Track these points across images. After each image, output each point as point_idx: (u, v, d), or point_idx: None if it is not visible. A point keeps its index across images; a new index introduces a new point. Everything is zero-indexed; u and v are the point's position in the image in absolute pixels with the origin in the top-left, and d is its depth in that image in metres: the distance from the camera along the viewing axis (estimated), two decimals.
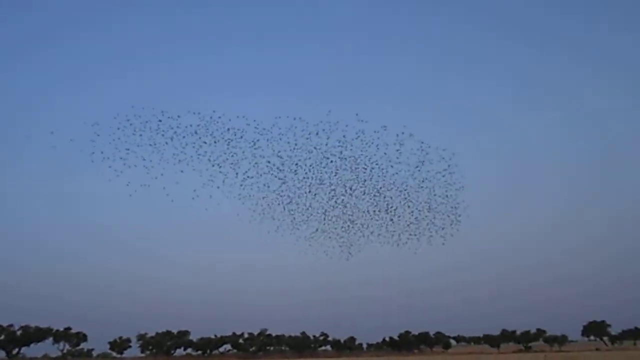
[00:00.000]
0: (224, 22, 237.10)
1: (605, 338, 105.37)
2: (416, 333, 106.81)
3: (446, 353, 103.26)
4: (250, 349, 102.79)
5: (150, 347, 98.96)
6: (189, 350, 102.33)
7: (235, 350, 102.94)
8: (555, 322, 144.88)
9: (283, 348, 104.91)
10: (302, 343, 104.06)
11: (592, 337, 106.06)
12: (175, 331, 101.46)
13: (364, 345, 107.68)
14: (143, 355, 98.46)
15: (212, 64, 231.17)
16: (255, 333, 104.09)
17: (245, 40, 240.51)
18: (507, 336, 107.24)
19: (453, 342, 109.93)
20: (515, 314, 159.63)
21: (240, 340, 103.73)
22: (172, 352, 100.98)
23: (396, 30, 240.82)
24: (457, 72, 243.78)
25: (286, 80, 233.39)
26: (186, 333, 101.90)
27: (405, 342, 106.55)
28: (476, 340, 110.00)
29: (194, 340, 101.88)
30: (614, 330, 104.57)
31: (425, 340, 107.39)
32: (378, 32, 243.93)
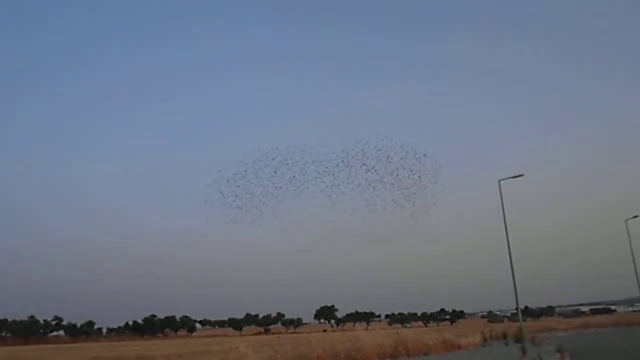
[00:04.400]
0: None
1: (332, 321, 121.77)
2: (162, 317, 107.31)
3: (190, 336, 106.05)
4: None
5: None
6: None
7: None
8: (294, 307, 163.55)
9: (3, 334, 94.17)
10: (28, 328, 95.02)
11: (322, 320, 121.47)
12: None
13: (104, 330, 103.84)
14: None
15: None
16: None
17: None
18: (251, 319, 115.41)
19: (199, 325, 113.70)
20: (259, 300, 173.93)
21: None
22: None
23: None
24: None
25: None
26: None
27: (150, 326, 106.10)
28: (221, 323, 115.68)
29: None
30: (339, 314, 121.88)
31: (170, 324, 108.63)
32: None
